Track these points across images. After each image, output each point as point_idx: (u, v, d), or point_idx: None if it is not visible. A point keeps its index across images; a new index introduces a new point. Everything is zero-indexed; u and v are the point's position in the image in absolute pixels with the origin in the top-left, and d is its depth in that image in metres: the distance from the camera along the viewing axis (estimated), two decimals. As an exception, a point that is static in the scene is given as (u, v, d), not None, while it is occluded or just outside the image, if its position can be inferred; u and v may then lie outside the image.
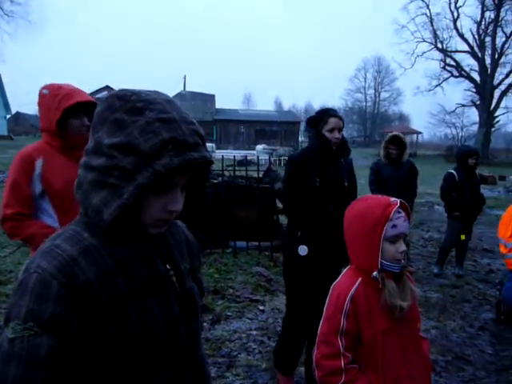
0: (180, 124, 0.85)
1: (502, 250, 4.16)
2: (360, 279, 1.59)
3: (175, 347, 0.95)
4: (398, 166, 5.21)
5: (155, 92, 0.91)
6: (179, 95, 41.44)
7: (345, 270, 1.73)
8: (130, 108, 0.85)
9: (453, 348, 3.66)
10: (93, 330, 0.83)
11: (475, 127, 41.09)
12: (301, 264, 2.74)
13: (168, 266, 0.98)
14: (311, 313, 2.75)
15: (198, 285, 1.09)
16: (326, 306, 1.65)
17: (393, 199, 1.56)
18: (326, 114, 2.78)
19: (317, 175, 2.73)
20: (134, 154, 0.82)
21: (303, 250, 2.71)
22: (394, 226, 1.52)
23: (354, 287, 1.58)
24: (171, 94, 41.49)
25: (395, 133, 5.34)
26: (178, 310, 0.97)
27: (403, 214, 1.56)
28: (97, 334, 0.83)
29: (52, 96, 2.11)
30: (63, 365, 0.81)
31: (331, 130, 2.72)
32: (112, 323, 0.84)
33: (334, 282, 1.70)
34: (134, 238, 0.92)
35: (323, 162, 2.76)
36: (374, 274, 1.54)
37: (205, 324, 3.90)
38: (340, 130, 2.75)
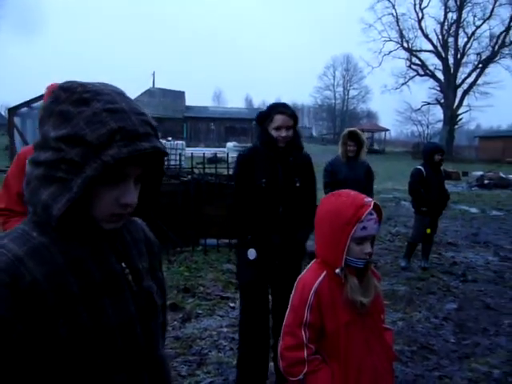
0: (129, 114, 0.83)
1: None
2: (325, 273, 1.62)
3: (131, 348, 0.92)
4: (355, 165, 4.92)
5: (103, 84, 0.88)
6: (148, 92, 40.81)
7: (311, 262, 1.75)
8: (76, 99, 0.83)
9: (418, 338, 3.77)
10: (40, 332, 0.80)
11: (440, 125, 42.32)
12: (250, 268, 2.64)
13: (124, 265, 0.94)
14: (266, 316, 2.73)
15: (158, 284, 1.06)
16: (291, 298, 1.67)
17: (367, 200, 1.56)
18: (272, 110, 2.62)
19: (263, 176, 2.60)
20: (80, 146, 0.80)
21: (252, 253, 2.60)
22: (364, 227, 1.53)
23: (319, 281, 1.60)
24: (140, 91, 40.82)
25: (352, 128, 5.14)
26: (135, 309, 0.93)
27: (375, 215, 1.57)
28: (45, 336, 0.80)
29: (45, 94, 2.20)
30: (9, 367, 0.77)
31: (277, 128, 2.56)
32: (62, 324, 0.81)
33: (300, 275, 1.72)
34: (88, 235, 0.89)
35: (270, 161, 2.62)
36: (337, 271, 1.57)
37: (175, 322, 3.88)
38: (289, 127, 2.59)
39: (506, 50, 38.61)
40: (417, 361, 3.40)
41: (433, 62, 41.74)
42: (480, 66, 39.44)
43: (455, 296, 4.88)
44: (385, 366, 1.65)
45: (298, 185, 2.64)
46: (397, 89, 43.49)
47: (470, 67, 40.23)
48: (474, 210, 11.63)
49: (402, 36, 42.18)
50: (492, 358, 3.45)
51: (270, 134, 2.59)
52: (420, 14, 40.84)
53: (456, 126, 40.75)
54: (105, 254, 0.91)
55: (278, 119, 2.56)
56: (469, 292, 5.03)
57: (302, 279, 1.68)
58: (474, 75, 39.90)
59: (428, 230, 5.86)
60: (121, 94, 0.87)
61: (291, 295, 1.68)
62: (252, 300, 2.72)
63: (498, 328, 4.02)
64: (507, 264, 6.21)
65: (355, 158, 4.92)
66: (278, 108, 2.62)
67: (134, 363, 0.94)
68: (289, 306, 1.67)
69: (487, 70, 39.46)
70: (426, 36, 41.26)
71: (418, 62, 42.37)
